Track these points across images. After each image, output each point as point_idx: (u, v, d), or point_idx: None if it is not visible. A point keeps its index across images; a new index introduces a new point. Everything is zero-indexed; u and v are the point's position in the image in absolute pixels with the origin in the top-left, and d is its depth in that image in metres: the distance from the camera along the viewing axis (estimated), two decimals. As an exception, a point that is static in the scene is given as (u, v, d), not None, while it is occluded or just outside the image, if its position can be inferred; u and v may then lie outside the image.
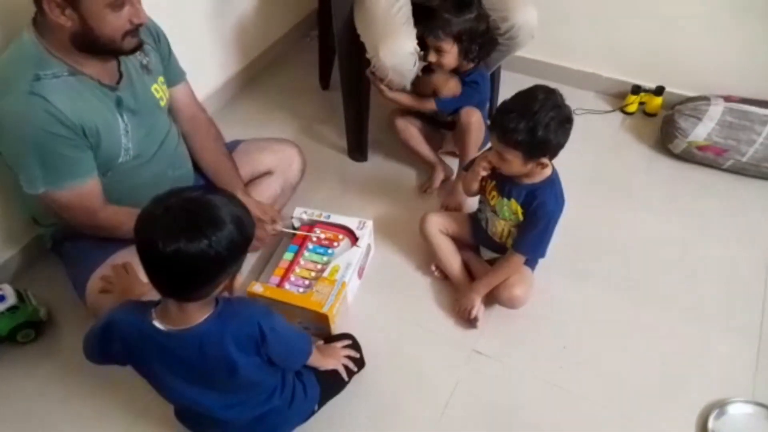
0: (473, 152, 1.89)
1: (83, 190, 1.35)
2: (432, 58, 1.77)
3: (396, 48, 1.71)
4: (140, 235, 0.99)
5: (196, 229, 0.95)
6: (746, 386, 1.49)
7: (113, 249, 1.44)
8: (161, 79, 1.51)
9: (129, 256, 1.40)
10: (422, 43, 1.78)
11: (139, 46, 1.34)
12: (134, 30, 1.30)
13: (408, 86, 1.85)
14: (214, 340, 1.08)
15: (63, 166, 1.31)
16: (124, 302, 1.16)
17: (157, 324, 1.08)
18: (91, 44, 1.27)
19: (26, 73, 1.24)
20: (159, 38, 1.51)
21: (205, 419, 1.27)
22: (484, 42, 1.77)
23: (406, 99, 1.88)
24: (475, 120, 1.83)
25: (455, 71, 1.83)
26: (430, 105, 1.87)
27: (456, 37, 1.72)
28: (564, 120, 1.36)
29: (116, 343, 1.13)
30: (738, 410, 1.44)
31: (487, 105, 1.98)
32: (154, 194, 1.01)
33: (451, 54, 1.75)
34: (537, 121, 1.32)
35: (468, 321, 1.62)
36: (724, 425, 1.41)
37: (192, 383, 1.16)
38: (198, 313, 1.07)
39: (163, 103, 1.51)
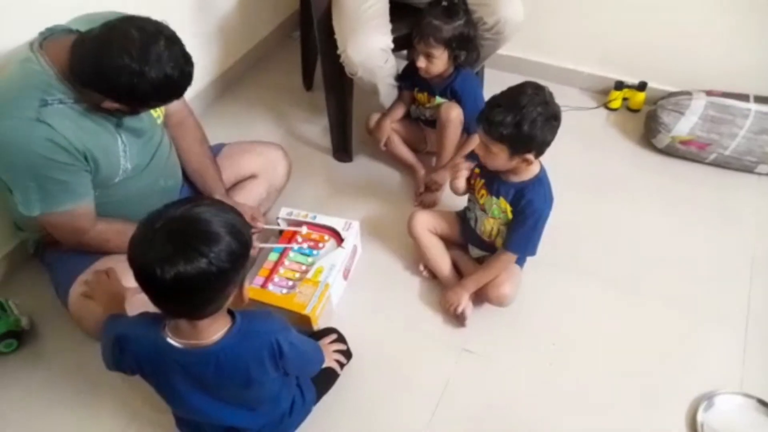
0: (451, 149, 1.89)
1: (76, 212, 1.35)
2: (421, 63, 1.77)
3: (364, 43, 1.68)
4: (136, 264, 0.94)
5: (193, 249, 0.91)
6: (734, 377, 1.50)
7: (98, 254, 1.43)
8: None
9: (113, 261, 1.39)
10: (408, 44, 1.76)
11: None
12: None
13: (379, 85, 1.82)
14: (232, 358, 1.06)
15: (60, 192, 1.30)
16: (140, 315, 1.12)
17: (170, 341, 1.05)
18: None
19: (33, 97, 1.21)
20: None
21: (212, 429, 1.26)
22: (472, 48, 1.79)
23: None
24: (455, 116, 1.83)
25: (439, 77, 1.84)
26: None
27: (447, 44, 1.73)
28: (551, 117, 1.36)
29: (128, 357, 1.11)
30: (726, 402, 1.45)
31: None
32: (145, 204, 0.97)
33: (440, 60, 1.76)
34: (524, 116, 1.33)
35: (455, 317, 1.61)
36: (713, 417, 1.42)
37: (206, 396, 1.14)
38: (212, 328, 1.04)
39: (159, 121, 1.49)
